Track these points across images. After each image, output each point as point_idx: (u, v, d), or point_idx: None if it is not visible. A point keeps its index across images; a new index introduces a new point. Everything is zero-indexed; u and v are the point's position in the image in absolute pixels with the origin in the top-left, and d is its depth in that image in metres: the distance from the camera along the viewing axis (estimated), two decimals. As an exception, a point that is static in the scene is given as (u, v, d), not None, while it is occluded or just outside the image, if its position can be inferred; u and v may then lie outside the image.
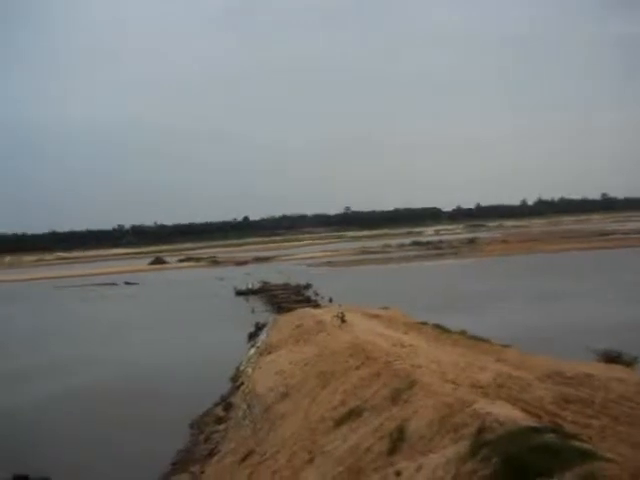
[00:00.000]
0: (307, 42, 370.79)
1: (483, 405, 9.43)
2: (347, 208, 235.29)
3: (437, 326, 21.89)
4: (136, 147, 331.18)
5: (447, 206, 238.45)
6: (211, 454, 16.94)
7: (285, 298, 49.87)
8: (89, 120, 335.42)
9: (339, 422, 12.56)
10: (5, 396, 25.62)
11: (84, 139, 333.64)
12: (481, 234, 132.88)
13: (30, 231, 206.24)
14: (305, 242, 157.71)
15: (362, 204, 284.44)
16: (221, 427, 19.58)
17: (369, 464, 10.01)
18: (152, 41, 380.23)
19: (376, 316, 27.83)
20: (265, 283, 62.49)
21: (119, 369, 29.03)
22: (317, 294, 51.37)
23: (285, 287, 58.34)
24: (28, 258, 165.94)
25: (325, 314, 29.30)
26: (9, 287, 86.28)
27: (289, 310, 38.48)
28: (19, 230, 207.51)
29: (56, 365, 30.72)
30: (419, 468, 8.28)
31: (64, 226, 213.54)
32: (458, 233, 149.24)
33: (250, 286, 60.32)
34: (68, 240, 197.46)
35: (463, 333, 19.62)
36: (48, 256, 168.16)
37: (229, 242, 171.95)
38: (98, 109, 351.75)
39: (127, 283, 78.61)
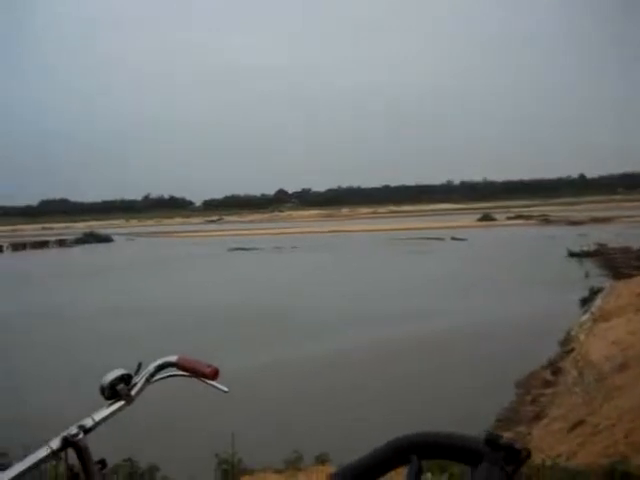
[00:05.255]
0: None
1: None
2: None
3: None
4: (459, 103, 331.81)
5: None
6: (538, 417, 16.42)
7: (625, 263, 45.89)
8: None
9: (689, 404, 11.14)
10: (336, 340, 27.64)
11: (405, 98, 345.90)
12: None
13: (365, 185, 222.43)
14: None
15: None
16: (548, 391, 18.88)
17: None
18: None
19: None
20: (601, 245, 58.16)
21: (442, 322, 29.35)
22: (664, 260, 46.58)
23: (625, 250, 53.50)
24: (363, 210, 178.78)
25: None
26: (344, 237, 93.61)
27: (630, 276, 35.47)
28: (355, 184, 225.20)
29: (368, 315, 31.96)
30: None
31: (394, 181, 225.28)
32: None
33: (585, 248, 56.71)
34: (399, 194, 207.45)
35: None
36: (381, 209, 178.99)
37: (562, 200, 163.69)
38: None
39: (454, 239, 79.83)
